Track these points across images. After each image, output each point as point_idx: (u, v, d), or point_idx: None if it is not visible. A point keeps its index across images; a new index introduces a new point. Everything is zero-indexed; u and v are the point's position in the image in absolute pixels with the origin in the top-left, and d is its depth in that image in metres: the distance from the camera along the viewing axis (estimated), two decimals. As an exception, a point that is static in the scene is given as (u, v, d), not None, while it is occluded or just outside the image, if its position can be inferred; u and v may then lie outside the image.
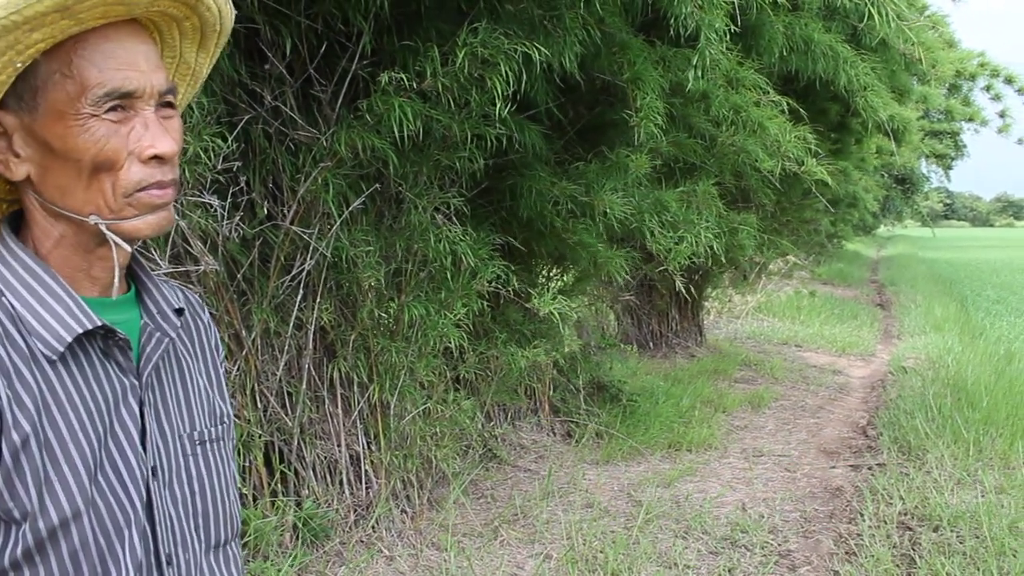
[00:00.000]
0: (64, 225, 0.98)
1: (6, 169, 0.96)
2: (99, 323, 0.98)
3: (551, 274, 5.80)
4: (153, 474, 1.03)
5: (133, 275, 1.09)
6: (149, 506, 1.02)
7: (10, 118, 0.94)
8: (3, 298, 0.96)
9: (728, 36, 3.45)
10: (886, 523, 4.40)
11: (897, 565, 3.93)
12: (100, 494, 0.97)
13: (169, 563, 1.04)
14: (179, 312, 1.12)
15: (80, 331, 0.96)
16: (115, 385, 1.00)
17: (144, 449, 1.02)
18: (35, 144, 0.95)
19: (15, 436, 0.91)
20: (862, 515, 4.56)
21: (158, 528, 1.02)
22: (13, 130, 0.95)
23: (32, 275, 0.97)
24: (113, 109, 0.94)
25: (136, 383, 1.03)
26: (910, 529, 4.35)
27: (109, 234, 0.97)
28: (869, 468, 5.47)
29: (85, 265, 1.01)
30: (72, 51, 0.92)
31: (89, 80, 0.92)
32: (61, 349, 0.96)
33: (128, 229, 0.98)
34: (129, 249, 1.01)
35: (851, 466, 5.61)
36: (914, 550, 4.08)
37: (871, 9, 3.55)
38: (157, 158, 0.96)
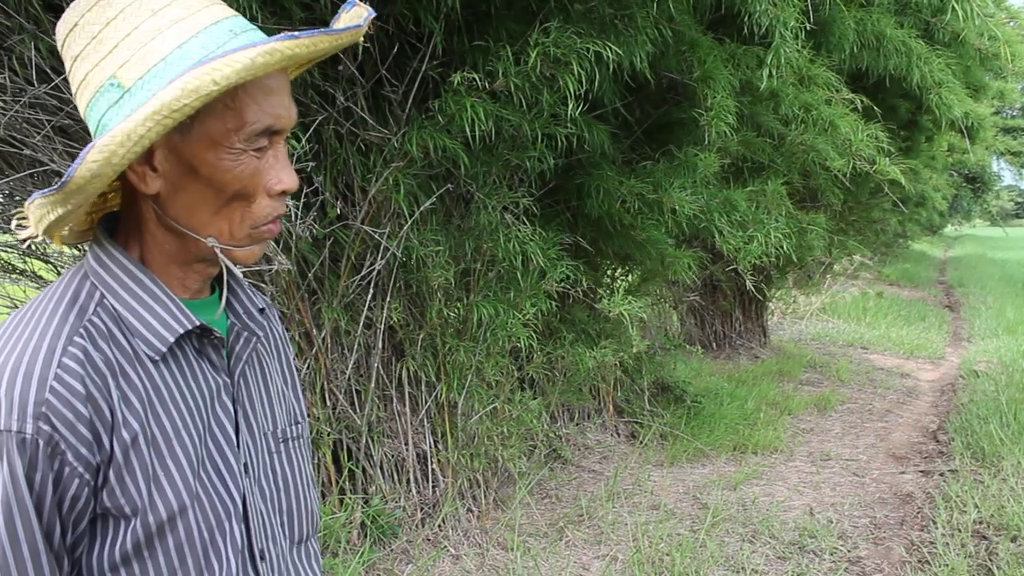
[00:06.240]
0: (173, 238, 1.00)
1: (140, 181, 0.95)
2: (198, 323, 1.01)
3: (616, 274, 5.77)
4: (245, 471, 1.05)
5: (218, 277, 1.10)
6: (243, 502, 1.04)
7: None
8: (105, 300, 0.98)
9: (801, 33, 3.40)
10: (960, 531, 4.29)
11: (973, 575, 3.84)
12: (203, 489, 1.00)
13: (262, 558, 1.06)
14: (262, 312, 1.15)
15: (181, 331, 0.99)
16: (210, 383, 1.04)
17: (237, 446, 1.05)
18: (176, 163, 0.95)
19: (125, 434, 0.94)
20: (935, 522, 4.46)
21: (251, 523, 1.05)
22: (158, 145, 0.94)
23: (132, 278, 0.99)
24: (260, 148, 0.96)
25: (228, 381, 1.06)
26: (986, 538, 4.23)
27: (223, 258, 1.00)
28: (941, 474, 5.34)
29: (181, 274, 1.03)
30: (239, 84, 0.91)
31: (248, 116, 0.93)
32: (164, 349, 0.98)
33: (240, 256, 1.01)
34: (239, 274, 1.03)
35: (922, 472, 5.48)
36: (991, 560, 3.97)
37: (955, 5, 3.45)
38: (284, 192, 0.99)
